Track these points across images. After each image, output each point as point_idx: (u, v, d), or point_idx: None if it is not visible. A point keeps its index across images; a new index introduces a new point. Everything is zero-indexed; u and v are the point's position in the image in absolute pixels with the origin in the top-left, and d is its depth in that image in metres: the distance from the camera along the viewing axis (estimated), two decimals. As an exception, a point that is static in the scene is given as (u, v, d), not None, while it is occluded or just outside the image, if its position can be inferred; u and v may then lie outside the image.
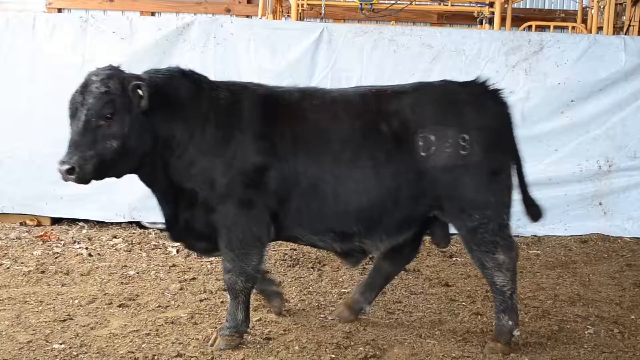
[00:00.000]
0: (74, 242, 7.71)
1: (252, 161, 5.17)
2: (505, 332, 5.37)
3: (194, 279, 6.83)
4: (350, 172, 5.23)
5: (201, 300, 6.28)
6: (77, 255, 7.36)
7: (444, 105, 5.37)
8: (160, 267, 7.12)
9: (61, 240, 7.77)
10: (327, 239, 5.42)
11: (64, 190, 8.13)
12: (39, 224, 8.25)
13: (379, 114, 5.31)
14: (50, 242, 7.68)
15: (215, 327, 5.64)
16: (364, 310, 5.90)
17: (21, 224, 8.27)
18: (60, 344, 5.31)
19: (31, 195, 8.22)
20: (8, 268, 6.93)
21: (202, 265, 7.23)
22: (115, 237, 7.91)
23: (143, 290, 6.47)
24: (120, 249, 7.59)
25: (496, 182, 5.34)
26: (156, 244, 7.79)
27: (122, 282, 6.65)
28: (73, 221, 8.30)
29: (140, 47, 8.02)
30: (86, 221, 8.29)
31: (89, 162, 5.02)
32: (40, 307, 6.02)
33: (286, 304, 6.13)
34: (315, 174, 5.23)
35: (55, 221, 8.33)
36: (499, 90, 5.51)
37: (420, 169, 5.23)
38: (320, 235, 5.40)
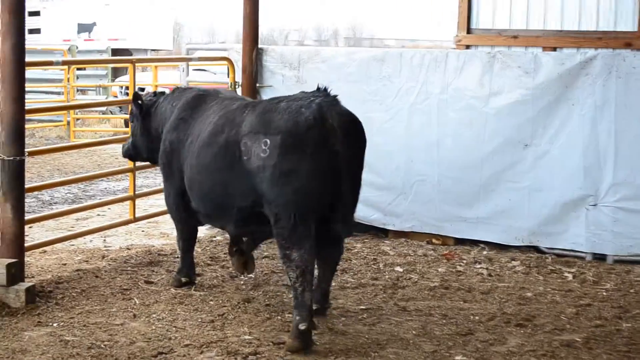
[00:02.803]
0: (475, 262, 7.91)
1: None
2: (293, 327, 5.59)
3: (589, 305, 6.71)
4: (205, 172, 6.19)
5: (596, 327, 6.16)
6: (477, 274, 7.55)
7: (268, 114, 5.85)
8: (556, 291, 7.08)
9: (463, 259, 8.01)
10: (205, 220, 6.65)
11: (467, 213, 8.42)
12: (443, 244, 8.57)
13: (232, 123, 6.07)
14: (454, 261, 7.95)
15: (610, 354, 5.50)
16: (320, 309, 6.14)
17: (428, 242, 8.64)
18: (462, 356, 5.50)
19: (438, 216, 8.59)
20: (415, 282, 7.30)
21: (597, 292, 7.08)
22: (513, 259, 7.98)
23: (539, 312, 6.49)
24: (519, 271, 7.65)
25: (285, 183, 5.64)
26: (553, 268, 7.74)
27: (519, 303, 6.72)
28: (475, 242, 8.50)
29: (543, 80, 8.05)
30: (486, 243, 8.44)
31: (125, 147, 7.56)
32: (444, 321, 6.28)
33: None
34: (191, 172, 6.35)
35: (458, 241, 8.58)
36: (336, 99, 5.75)
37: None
38: (203, 218, 6.58)
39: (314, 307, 5.84)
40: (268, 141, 5.70)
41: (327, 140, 5.62)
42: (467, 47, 12.31)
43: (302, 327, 5.52)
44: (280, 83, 9.03)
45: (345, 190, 5.74)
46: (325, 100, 5.72)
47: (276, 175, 5.65)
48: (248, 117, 5.98)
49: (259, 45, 9.26)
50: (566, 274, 7.58)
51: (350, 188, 5.82)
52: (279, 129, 5.69)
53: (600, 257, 8.03)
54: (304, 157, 5.61)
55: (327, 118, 5.63)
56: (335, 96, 5.79)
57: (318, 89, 5.88)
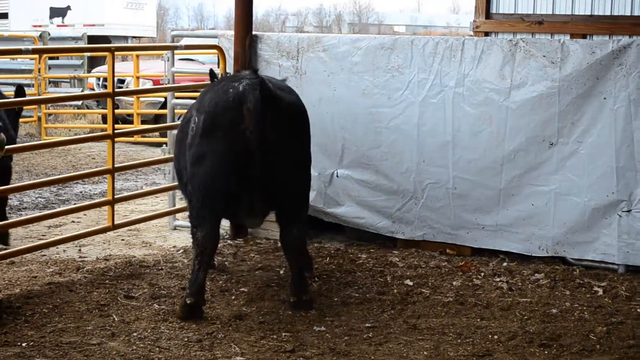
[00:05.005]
0: (494, 275, 7.93)
1: None
2: (182, 300, 6.51)
3: (621, 322, 6.73)
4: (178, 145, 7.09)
5: (629, 347, 6.19)
6: (496, 288, 7.57)
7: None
8: (584, 307, 7.10)
9: (481, 271, 8.02)
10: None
11: (485, 220, 8.43)
12: (459, 254, 8.57)
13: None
14: (470, 273, 7.97)
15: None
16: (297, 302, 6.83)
17: (441, 252, 8.65)
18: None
19: (452, 223, 8.60)
20: (427, 297, 7.32)
21: (630, 308, 7.09)
22: (537, 272, 7.99)
23: (566, 331, 6.51)
24: (543, 285, 7.67)
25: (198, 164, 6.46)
26: (581, 282, 7.76)
27: (543, 321, 6.74)
28: (494, 253, 8.51)
29: (571, 71, 8.04)
30: (507, 253, 8.45)
31: None
32: (459, 340, 6.30)
33: None
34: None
35: (475, 251, 8.59)
36: (259, 82, 6.35)
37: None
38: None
39: (291, 300, 6.78)
40: (197, 119, 6.55)
41: (240, 123, 6.30)
42: (486, 34, 12.35)
43: (188, 301, 6.44)
44: (276, 74, 9.05)
45: (256, 176, 6.33)
46: (249, 83, 6.36)
47: (195, 155, 6.50)
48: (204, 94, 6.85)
49: (253, 32, 9.29)
50: (596, 288, 7.59)
51: (271, 174, 6.40)
52: (204, 108, 6.54)
53: (634, 270, 8.02)
54: (216, 139, 6.39)
55: (244, 101, 6.28)
56: (257, 78, 6.42)
57: (252, 70, 6.81)
